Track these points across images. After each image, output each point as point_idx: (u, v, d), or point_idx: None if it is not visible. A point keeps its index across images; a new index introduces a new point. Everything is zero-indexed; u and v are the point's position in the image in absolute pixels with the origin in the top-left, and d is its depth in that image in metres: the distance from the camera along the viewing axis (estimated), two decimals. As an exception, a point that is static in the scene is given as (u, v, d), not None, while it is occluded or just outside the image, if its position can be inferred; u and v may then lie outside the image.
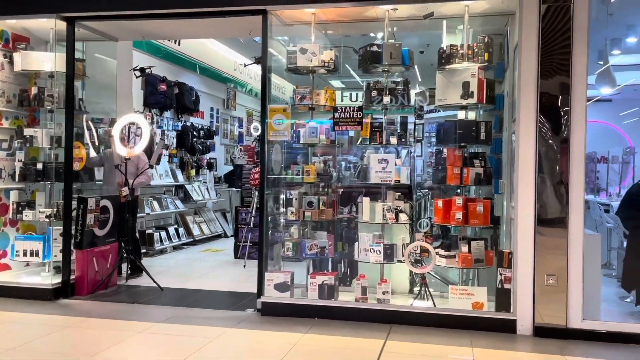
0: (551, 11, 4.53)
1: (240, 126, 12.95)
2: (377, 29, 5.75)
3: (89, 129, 6.41)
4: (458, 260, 4.86)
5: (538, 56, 4.59)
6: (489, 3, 4.91)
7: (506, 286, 4.66)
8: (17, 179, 5.90)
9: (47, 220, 5.79)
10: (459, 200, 4.90)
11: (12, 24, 5.94)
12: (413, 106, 5.39)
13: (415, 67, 6.28)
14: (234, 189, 11.09)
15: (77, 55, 6.00)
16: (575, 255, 4.49)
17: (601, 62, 7.77)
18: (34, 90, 5.89)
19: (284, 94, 8.83)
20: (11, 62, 5.97)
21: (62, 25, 5.65)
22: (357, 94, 10.78)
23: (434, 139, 6.30)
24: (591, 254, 4.63)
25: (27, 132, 5.94)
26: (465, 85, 4.92)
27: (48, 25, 5.73)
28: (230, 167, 11.98)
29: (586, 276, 4.51)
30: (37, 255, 5.80)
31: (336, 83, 10.20)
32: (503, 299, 4.66)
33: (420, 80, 7.14)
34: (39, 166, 5.87)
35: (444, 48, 5.04)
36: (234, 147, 12.11)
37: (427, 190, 6.34)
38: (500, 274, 4.68)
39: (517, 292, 4.60)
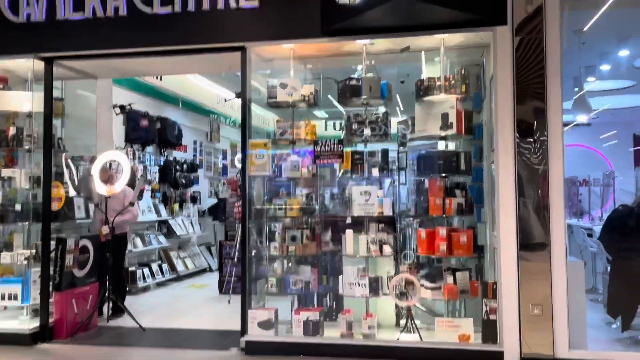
0: (524, 43, 4.62)
1: (225, 158, 12.92)
2: (356, 62, 5.82)
3: (68, 167, 6.35)
4: (444, 292, 4.82)
5: (513, 87, 4.66)
6: (464, 36, 5.00)
7: (492, 317, 4.62)
8: (-4, 221, 5.78)
9: (25, 262, 5.67)
10: (442, 231, 4.89)
11: (-11, 64, 5.91)
12: (396, 134, 5.42)
13: (397, 96, 6.37)
14: (218, 222, 10.99)
15: (57, 93, 5.98)
16: (559, 282, 4.49)
17: (577, 89, 7.93)
18: (12, 131, 5.83)
19: (266, 124, 8.85)
20: (-11, 103, 5.92)
21: (40, 65, 5.63)
22: (340, 123, 10.84)
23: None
24: (575, 281, 4.63)
25: (5, 172, 5.85)
26: (444, 116, 4.97)
27: (26, 65, 5.70)
28: (215, 200, 11.90)
29: (571, 304, 4.50)
30: (15, 298, 5.63)
31: (319, 113, 10.26)
32: (489, 330, 4.62)
33: (402, 108, 7.22)
34: (17, 207, 5.76)
35: (422, 80, 5.11)
36: (218, 180, 12.06)
37: (411, 218, 6.34)
38: (486, 305, 4.64)
39: (503, 323, 4.56)
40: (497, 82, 4.71)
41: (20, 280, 5.70)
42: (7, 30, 5.49)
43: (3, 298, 5.68)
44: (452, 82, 5.00)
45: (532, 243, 4.56)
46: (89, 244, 6.08)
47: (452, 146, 5.42)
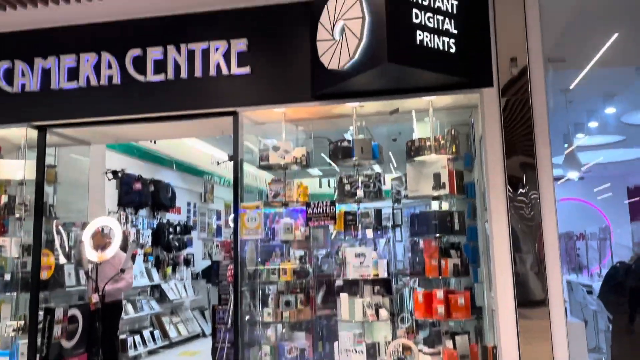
0: (510, 104, 4.70)
1: (219, 219, 12.86)
2: (347, 123, 5.90)
3: (59, 233, 6.28)
4: (443, 358, 4.67)
5: (502, 145, 4.70)
6: (452, 98, 5.08)
7: (494, 383, 4.46)
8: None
9: (13, 334, 5.49)
10: (439, 294, 4.79)
11: (-19, 133, 5.95)
12: (389, 190, 5.41)
13: (390, 153, 6.41)
14: (212, 285, 10.80)
15: (50, 159, 5.99)
16: (560, 341, 4.36)
17: (567, 145, 8.03)
18: (3, 199, 5.80)
19: (260, 182, 8.87)
20: (-20, 171, 5.93)
21: (33, 133, 5.67)
22: (335, 180, 10.88)
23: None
24: (576, 343, 4.50)
25: (-3, 241, 5.78)
26: (437, 176, 4.99)
27: (19, 133, 5.73)
28: (209, 262, 11.75)
29: (574, 367, 4.36)
30: (2, 372, 5.44)
31: (313, 171, 10.30)
32: (492, 397, 4.45)
33: (395, 165, 7.26)
34: (7, 277, 5.65)
35: (412, 140, 5.16)
36: (212, 241, 11.95)
37: (408, 278, 6.24)
38: (487, 370, 4.49)
39: (505, 388, 4.40)
40: (487, 142, 4.75)
41: (8, 352, 5.51)
42: (2, 100, 5.57)
43: (-12, 373, 5.48)
44: (442, 142, 5.05)
45: (530, 300, 4.47)
46: (78, 313, 5.92)
47: (445, 205, 5.40)
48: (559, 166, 8.71)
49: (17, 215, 5.74)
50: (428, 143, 5.06)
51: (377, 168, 5.89)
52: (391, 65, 4.30)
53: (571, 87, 5.94)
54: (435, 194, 4.98)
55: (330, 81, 4.84)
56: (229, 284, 7.94)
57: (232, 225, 11.16)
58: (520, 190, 4.62)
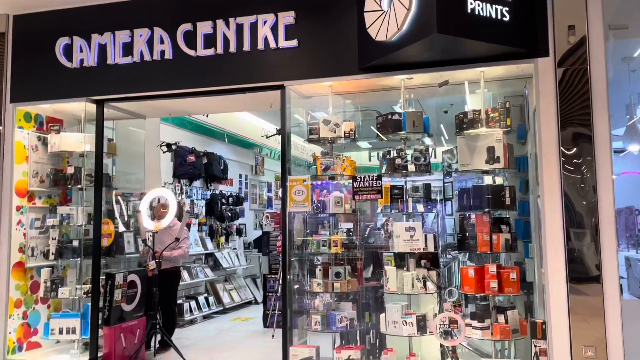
0: (568, 74, 4.50)
1: (269, 191, 13.07)
2: (394, 96, 5.82)
3: (118, 203, 6.58)
4: (494, 332, 4.63)
5: (557, 118, 4.53)
6: (505, 68, 4.92)
7: (542, 359, 4.41)
8: (52, 257, 6.01)
9: (84, 296, 5.85)
10: (492, 268, 4.73)
11: (45, 108, 6.26)
12: (441, 163, 5.33)
13: (441, 125, 6.29)
14: (263, 255, 11.06)
15: (108, 132, 6.26)
16: (613, 321, 4.24)
17: (628, 117, 7.63)
18: (69, 170, 6.12)
19: (307, 155, 8.94)
20: (45, 144, 6.25)
21: (92, 107, 5.92)
22: (382, 154, 10.79)
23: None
24: (633, 321, 4.37)
25: (63, 210, 6.12)
26: (490, 150, 4.86)
27: (79, 107, 6.00)
28: (260, 232, 12.01)
29: (629, 346, 4.23)
30: (74, 332, 5.80)
31: (363, 144, 10.26)
32: (540, 372, 4.41)
33: (447, 138, 7.13)
34: (75, 243, 5.99)
35: (464, 113, 5.03)
36: (263, 212, 12.18)
37: (456, 252, 6.18)
38: (535, 346, 4.44)
39: (554, 365, 4.34)
40: (541, 114, 4.59)
41: (78, 314, 5.89)
42: (62, 75, 5.82)
43: (61, 332, 5.86)
44: (495, 114, 4.91)
45: (582, 276, 4.36)
46: (137, 278, 6.25)
47: (498, 180, 5.28)
48: (619, 138, 8.31)
49: (79, 186, 6.05)
50: (480, 115, 4.92)
51: (425, 141, 5.80)
52: (440, 36, 4.20)
53: (634, 55, 5.61)
54: (489, 167, 4.87)
55: (377, 53, 4.78)
56: (278, 254, 8.16)
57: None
58: (575, 162, 4.45)
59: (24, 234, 6.02)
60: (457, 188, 5.71)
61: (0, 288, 5.78)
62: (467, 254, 5.47)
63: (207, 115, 9.67)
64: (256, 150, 12.06)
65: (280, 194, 11.91)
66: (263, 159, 12.53)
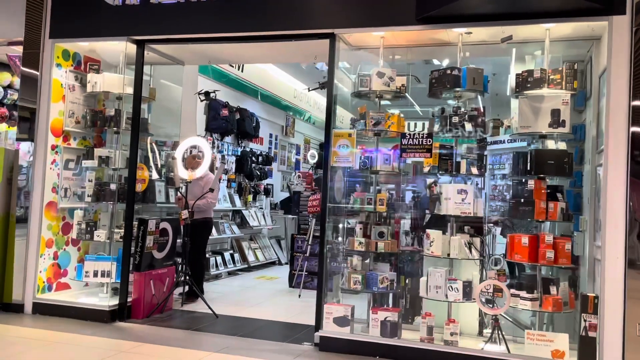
0: (645, 34, 4.17)
1: (298, 153, 12.91)
2: (444, 55, 5.53)
3: (153, 151, 6.45)
4: (545, 304, 4.43)
5: (630, 83, 4.22)
6: (573, 27, 4.59)
7: (591, 334, 4.20)
8: (88, 199, 5.86)
9: (120, 240, 5.76)
10: (549, 238, 4.49)
11: (83, 46, 6.08)
12: (482, 136, 5.07)
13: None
14: (289, 216, 10.96)
15: (145, 79, 6.07)
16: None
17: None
18: (108, 112, 5.94)
19: (341, 122, 8.69)
20: (82, 84, 6.10)
21: (132, 48, 5.73)
22: (415, 124, 10.50)
23: (497, 171, 5.93)
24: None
25: (101, 152, 5.93)
26: (555, 112, 4.56)
27: (119, 48, 5.81)
28: (286, 194, 11.89)
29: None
30: (108, 275, 5.72)
31: (394, 112, 9.96)
32: (587, 348, 4.21)
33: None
34: (112, 187, 5.83)
35: (529, 71, 4.68)
36: (291, 174, 12.04)
37: (492, 224, 5.95)
38: (585, 320, 4.23)
39: (604, 341, 4.14)
40: (611, 77, 4.28)
41: (113, 258, 5.77)
42: (103, 13, 5.62)
43: (95, 275, 5.78)
44: (557, 77, 4.58)
45: (641, 254, 4.12)
46: (168, 227, 6.15)
47: (551, 146, 4.99)
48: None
49: (115, 129, 5.90)
50: (545, 75, 4.58)
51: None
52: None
53: None
54: (553, 131, 4.58)
55: (437, 2, 4.49)
56: (309, 214, 8.00)
57: (311, 160, 11.18)
58: (645, 130, 4.16)
59: (58, 174, 5.93)
60: (490, 162, 5.40)
61: (33, 226, 5.73)
62: (512, 223, 5.23)
63: (242, 70, 9.46)
64: (288, 112, 11.84)
65: (308, 158, 11.76)
66: (294, 120, 12.33)
